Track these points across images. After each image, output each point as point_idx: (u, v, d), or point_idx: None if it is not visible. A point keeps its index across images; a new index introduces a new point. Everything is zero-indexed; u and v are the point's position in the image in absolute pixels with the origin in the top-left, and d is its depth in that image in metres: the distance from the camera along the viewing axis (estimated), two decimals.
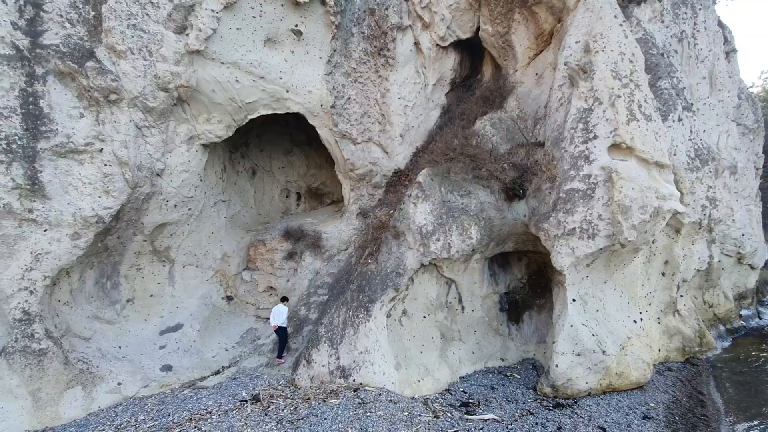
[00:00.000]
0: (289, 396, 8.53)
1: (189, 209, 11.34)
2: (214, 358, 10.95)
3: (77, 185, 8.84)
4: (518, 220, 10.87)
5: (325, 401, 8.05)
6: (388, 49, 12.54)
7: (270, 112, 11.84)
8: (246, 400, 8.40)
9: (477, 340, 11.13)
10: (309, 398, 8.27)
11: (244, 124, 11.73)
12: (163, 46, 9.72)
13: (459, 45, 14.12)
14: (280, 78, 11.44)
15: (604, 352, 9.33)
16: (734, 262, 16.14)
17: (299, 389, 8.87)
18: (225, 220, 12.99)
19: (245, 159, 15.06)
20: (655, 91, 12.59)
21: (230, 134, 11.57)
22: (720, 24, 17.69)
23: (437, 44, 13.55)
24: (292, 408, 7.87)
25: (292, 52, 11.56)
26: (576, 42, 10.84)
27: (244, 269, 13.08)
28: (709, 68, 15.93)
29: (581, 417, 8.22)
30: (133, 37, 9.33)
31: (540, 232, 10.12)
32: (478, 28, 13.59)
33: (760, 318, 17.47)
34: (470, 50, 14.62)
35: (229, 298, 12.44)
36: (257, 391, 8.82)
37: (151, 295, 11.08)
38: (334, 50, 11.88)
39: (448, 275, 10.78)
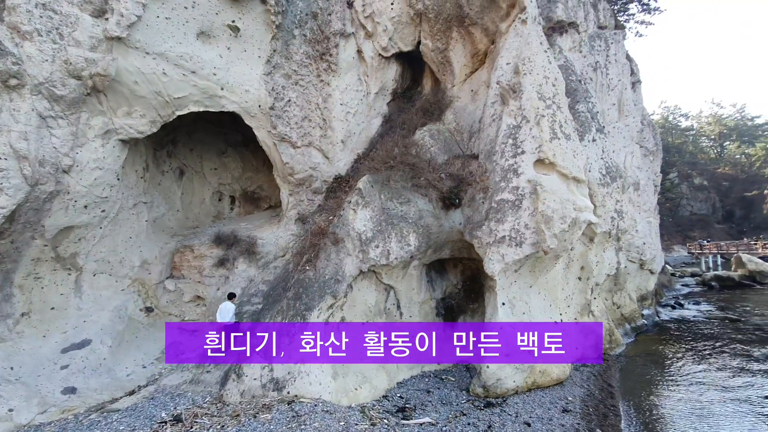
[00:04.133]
0: (215, 414, 7.93)
1: (102, 211, 10.19)
2: (129, 377, 9.88)
3: None
4: (454, 228, 11.29)
5: (255, 417, 7.61)
6: (330, 55, 12.47)
7: (202, 109, 11.12)
8: (165, 422, 7.65)
9: None
10: (238, 414, 7.76)
11: (171, 120, 10.88)
12: (78, 29, 8.75)
13: (401, 57, 14.48)
14: (214, 74, 10.83)
15: None
16: (637, 267, 18.23)
17: (227, 406, 8.29)
18: (146, 224, 11.88)
19: (172, 158, 13.96)
20: (574, 114, 13.88)
21: (155, 130, 10.65)
22: (628, 57, 20.15)
23: (380, 54, 13.77)
24: (218, 426, 7.32)
25: (228, 49, 11.02)
26: (507, 63, 11.63)
27: (167, 278, 12.03)
28: (618, 96, 18.02)
29: (509, 414, 8.65)
30: (41, 17, 8.29)
31: (474, 240, 10.59)
32: (419, 42, 14.06)
33: (659, 316, 19.92)
34: (411, 63, 15.06)
35: (148, 310, 11.33)
36: (179, 411, 8.09)
37: (53, 308, 9.74)
38: (274, 50, 11.54)
39: (386, 282, 10.84)
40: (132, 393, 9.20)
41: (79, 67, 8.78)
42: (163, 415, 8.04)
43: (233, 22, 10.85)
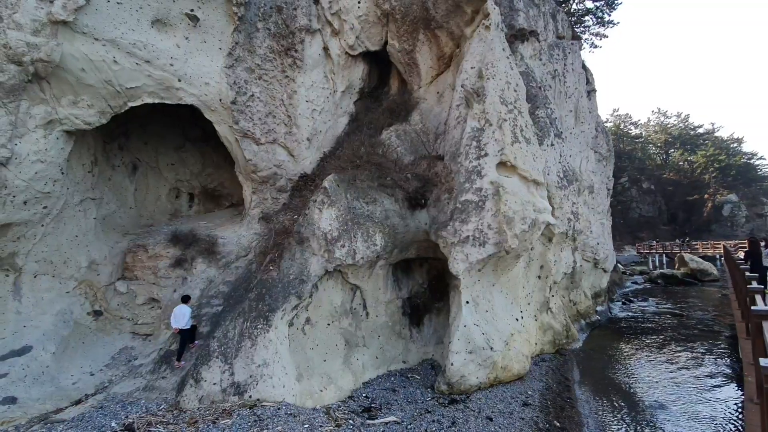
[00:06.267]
0: (171, 421, 7.54)
1: (44, 207, 9.43)
2: (75, 385, 9.22)
3: None
4: (420, 228, 11.38)
5: (215, 423, 7.30)
6: (296, 50, 12.22)
7: (157, 101, 10.56)
8: (116, 431, 7.21)
9: (380, 345, 11.27)
10: (196, 421, 7.41)
11: (123, 111, 10.25)
12: (19, 11, 8.11)
13: (368, 56, 14.44)
14: (171, 65, 10.31)
15: (491, 348, 10.21)
16: (592, 266, 19.18)
17: (185, 413, 7.90)
18: (94, 222, 11.12)
19: (124, 152, 13.14)
20: (534, 119, 14.40)
21: (104, 122, 10.00)
22: (584, 67, 21.22)
23: (346, 52, 13.65)
24: None
25: (187, 39, 10.54)
26: (471, 68, 11.87)
27: (118, 279, 11.32)
28: (574, 103, 18.90)
29: (472, 410, 8.82)
30: None
31: (439, 240, 10.72)
32: (387, 42, 14.08)
33: (611, 313, 21.06)
34: (378, 63, 15.06)
35: (97, 313, 10.61)
36: (131, 420, 7.63)
37: None
38: (236, 43, 11.16)
39: (353, 281, 10.76)
40: (78, 402, 8.61)
41: (20, 52, 8.12)
42: (114, 425, 7.57)
43: (192, 11, 10.39)
